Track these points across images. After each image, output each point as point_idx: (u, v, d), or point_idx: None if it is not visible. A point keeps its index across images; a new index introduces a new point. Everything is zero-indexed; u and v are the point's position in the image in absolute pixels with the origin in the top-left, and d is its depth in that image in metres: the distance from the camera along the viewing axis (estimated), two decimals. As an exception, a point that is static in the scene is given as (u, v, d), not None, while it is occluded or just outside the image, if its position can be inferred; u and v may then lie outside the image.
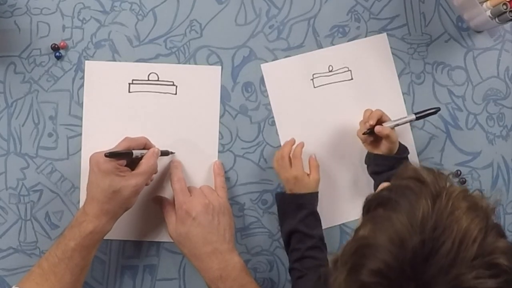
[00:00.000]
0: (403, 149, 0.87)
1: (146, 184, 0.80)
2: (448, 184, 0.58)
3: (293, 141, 0.88)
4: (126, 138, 0.82)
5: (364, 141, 0.87)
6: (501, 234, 0.57)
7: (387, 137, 0.84)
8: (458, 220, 0.54)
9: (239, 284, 0.78)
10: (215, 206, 0.81)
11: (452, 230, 0.53)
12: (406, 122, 0.86)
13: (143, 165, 0.79)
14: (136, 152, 0.80)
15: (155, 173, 0.83)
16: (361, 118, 0.89)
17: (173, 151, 0.86)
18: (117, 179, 0.76)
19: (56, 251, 0.75)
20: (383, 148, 0.85)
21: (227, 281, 0.77)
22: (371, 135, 0.85)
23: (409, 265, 0.52)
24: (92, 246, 0.76)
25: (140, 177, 0.78)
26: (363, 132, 0.86)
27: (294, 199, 0.84)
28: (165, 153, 0.85)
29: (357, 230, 0.60)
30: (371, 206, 0.61)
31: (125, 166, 0.79)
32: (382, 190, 0.62)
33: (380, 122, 0.85)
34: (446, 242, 0.53)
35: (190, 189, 0.84)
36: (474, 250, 0.53)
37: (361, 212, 0.62)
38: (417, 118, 0.86)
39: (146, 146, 0.84)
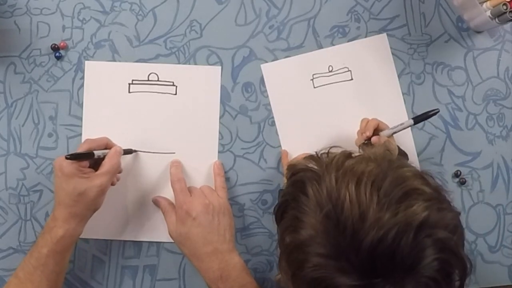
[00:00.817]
0: (402, 155, 0.86)
1: (112, 184, 0.80)
2: (326, 159, 0.61)
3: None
4: (86, 140, 0.82)
5: (363, 150, 0.87)
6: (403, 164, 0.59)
7: (385, 146, 0.84)
8: (346, 187, 0.55)
9: (240, 284, 0.78)
10: (215, 206, 0.81)
11: (344, 197, 0.55)
12: (403, 129, 0.85)
13: (106, 165, 0.78)
14: (97, 153, 0.79)
15: (119, 172, 0.83)
16: (361, 118, 0.89)
17: (135, 149, 0.86)
18: (81, 181, 0.75)
19: (30, 259, 0.75)
20: None
21: (227, 281, 0.77)
22: (370, 145, 0.85)
23: (343, 234, 0.53)
24: (66, 251, 0.77)
25: (104, 176, 0.77)
26: (360, 143, 0.86)
27: None
28: (128, 152, 0.84)
29: (280, 243, 0.62)
30: (278, 216, 0.63)
31: (89, 167, 0.79)
32: (280, 195, 0.64)
33: (377, 131, 0.85)
34: (347, 209, 0.54)
35: (190, 189, 0.84)
36: (377, 195, 0.54)
37: (276, 223, 0.65)
38: (415, 122, 0.85)
39: (108, 146, 0.83)
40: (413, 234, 0.52)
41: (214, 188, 0.86)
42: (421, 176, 0.58)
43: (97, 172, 0.78)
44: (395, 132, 0.85)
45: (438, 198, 0.57)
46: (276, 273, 0.85)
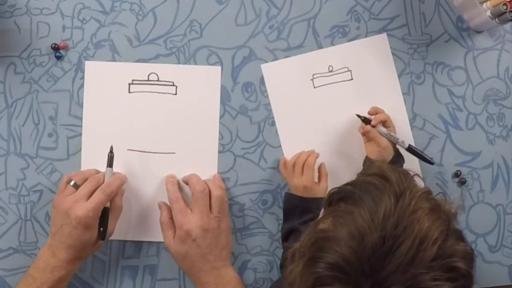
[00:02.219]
0: (397, 157, 0.86)
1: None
2: (412, 184, 0.59)
3: (310, 152, 0.88)
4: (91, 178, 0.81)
5: (365, 141, 0.87)
6: (461, 238, 0.57)
7: (375, 140, 0.85)
8: (420, 220, 0.54)
9: None
10: (214, 229, 0.81)
11: (413, 229, 0.53)
12: (395, 142, 0.85)
13: (112, 224, 0.81)
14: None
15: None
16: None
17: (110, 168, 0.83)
18: (95, 231, 0.78)
19: None
20: (373, 152, 0.85)
21: None
22: (365, 122, 0.86)
23: (367, 261, 0.52)
24: (64, 286, 0.79)
25: (112, 225, 0.82)
26: (357, 114, 0.87)
27: (303, 202, 0.84)
28: (110, 159, 0.83)
29: (317, 223, 0.59)
30: (333, 200, 0.61)
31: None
32: (346, 184, 0.62)
33: (382, 124, 0.86)
34: (406, 241, 0.53)
35: (193, 194, 0.82)
36: (433, 252, 0.53)
37: (323, 205, 0.63)
38: (408, 150, 0.85)
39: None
40: None
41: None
42: (469, 257, 0.57)
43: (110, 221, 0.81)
44: (389, 136, 0.85)
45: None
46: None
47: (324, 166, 0.89)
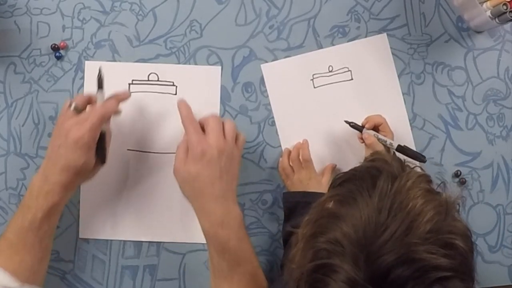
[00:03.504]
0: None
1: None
2: (411, 169, 0.61)
3: (298, 146, 0.88)
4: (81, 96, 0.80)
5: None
6: (460, 220, 0.59)
7: (371, 148, 0.84)
8: (416, 197, 0.56)
9: (237, 236, 0.76)
10: (228, 153, 0.78)
11: (408, 204, 0.55)
12: (384, 144, 0.85)
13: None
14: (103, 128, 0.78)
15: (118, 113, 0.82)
16: (361, 118, 0.89)
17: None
18: (92, 156, 0.76)
19: (23, 223, 0.74)
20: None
21: (227, 229, 0.76)
22: (356, 128, 0.87)
23: (362, 232, 0.54)
24: (57, 214, 0.77)
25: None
26: (346, 121, 0.87)
27: (304, 197, 0.83)
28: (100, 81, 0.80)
29: (320, 203, 0.62)
30: (337, 182, 0.63)
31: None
32: (351, 169, 0.64)
33: (376, 128, 0.86)
34: (401, 213, 0.54)
35: (207, 124, 0.79)
36: (429, 225, 0.54)
37: (328, 187, 0.65)
38: (397, 150, 0.84)
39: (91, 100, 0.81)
40: (429, 283, 0.52)
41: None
42: (468, 238, 0.58)
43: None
44: (382, 142, 0.84)
45: (467, 269, 0.56)
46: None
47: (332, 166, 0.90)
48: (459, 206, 0.61)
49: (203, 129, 0.79)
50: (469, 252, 0.57)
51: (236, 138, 0.81)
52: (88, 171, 0.77)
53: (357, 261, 0.53)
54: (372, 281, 0.52)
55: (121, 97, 0.80)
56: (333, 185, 0.64)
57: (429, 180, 0.61)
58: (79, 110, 0.77)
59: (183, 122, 0.79)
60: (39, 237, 0.74)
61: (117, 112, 0.80)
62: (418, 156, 0.85)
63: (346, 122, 0.87)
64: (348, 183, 0.61)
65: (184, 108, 0.80)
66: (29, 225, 0.74)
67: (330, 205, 0.60)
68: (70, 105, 0.77)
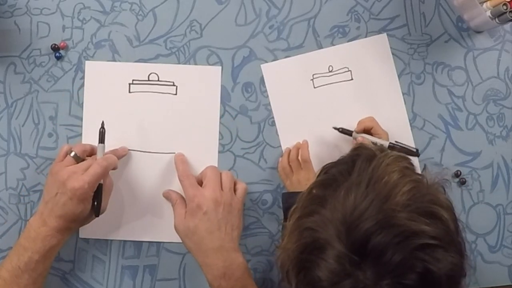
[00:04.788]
0: None
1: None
2: (390, 151, 0.64)
3: (298, 146, 0.88)
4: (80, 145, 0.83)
5: None
6: (444, 195, 0.61)
7: None
8: (393, 172, 0.58)
9: (242, 285, 0.77)
10: (226, 204, 0.80)
11: (384, 177, 0.58)
12: (376, 145, 0.84)
13: (104, 201, 0.80)
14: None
15: (114, 169, 0.83)
16: (361, 118, 0.89)
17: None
18: (89, 206, 0.77)
19: (18, 263, 0.75)
20: None
21: (230, 279, 0.77)
22: (346, 133, 0.88)
23: (343, 206, 0.56)
24: (53, 257, 0.79)
25: (105, 200, 0.81)
26: (334, 127, 0.88)
27: None
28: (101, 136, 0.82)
29: (306, 191, 0.65)
30: (323, 171, 0.67)
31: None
32: (340, 158, 0.68)
33: (368, 131, 0.87)
34: (379, 183, 0.57)
35: (205, 176, 0.83)
36: (407, 195, 0.56)
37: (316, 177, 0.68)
38: (389, 148, 0.84)
39: (92, 151, 0.83)
40: (411, 249, 0.53)
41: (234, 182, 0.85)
42: (452, 211, 0.59)
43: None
44: (372, 143, 0.84)
45: (452, 240, 0.57)
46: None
47: None
48: (443, 187, 0.63)
49: (202, 182, 0.82)
50: (453, 223, 0.58)
51: (236, 188, 0.84)
52: (84, 219, 0.79)
53: (340, 233, 0.55)
54: (354, 250, 0.54)
55: (120, 154, 0.84)
56: (319, 174, 0.67)
57: (409, 163, 0.63)
58: (78, 158, 0.79)
59: (179, 177, 0.83)
60: (33, 278, 0.76)
61: (115, 167, 0.82)
62: (410, 151, 0.85)
63: (335, 128, 0.87)
64: (331, 169, 0.64)
65: (180, 163, 0.84)
66: (24, 267, 0.75)
67: (315, 191, 0.62)
68: (67, 152, 0.80)
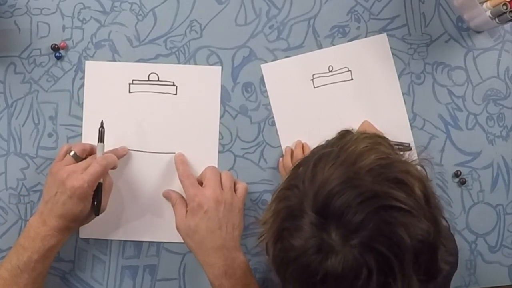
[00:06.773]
0: None
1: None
2: (366, 132, 0.67)
3: (300, 145, 0.88)
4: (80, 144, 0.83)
5: None
6: (420, 170, 0.63)
7: None
8: (363, 144, 0.60)
9: (243, 283, 0.78)
10: (227, 203, 0.80)
11: (354, 147, 0.60)
12: None
13: (104, 200, 0.80)
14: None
15: (114, 168, 0.82)
16: (361, 119, 0.89)
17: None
18: (88, 205, 0.77)
19: (18, 263, 0.75)
20: None
21: (231, 278, 0.77)
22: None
23: (313, 172, 0.59)
24: (52, 257, 0.79)
25: (105, 198, 0.81)
26: None
27: None
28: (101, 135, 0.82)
29: (288, 172, 0.67)
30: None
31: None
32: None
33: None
34: (347, 152, 0.59)
35: (204, 176, 0.83)
36: (377, 162, 0.58)
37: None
38: None
39: (92, 151, 0.83)
40: (373, 209, 0.54)
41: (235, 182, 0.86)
42: (423, 183, 0.59)
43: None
44: None
45: (421, 207, 0.57)
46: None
47: None
48: (424, 168, 0.64)
49: (202, 183, 0.83)
50: (423, 194, 0.58)
51: (236, 187, 0.84)
52: (84, 219, 0.79)
53: (310, 199, 0.57)
54: (319, 212, 0.55)
55: (119, 153, 0.84)
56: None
57: (388, 143, 0.65)
58: (78, 158, 0.79)
59: (179, 177, 0.83)
60: (32, 278, 0.76)
61: (115, 166, 0.82)
62: (403, 146, 0.85)
63: None
64: (319, 150, 0.66)
65: (180, 163, 0.85)
66: (23, 266, 0.75)
67: (301, 168, 0.64)
68: (67, 151, 0.80)
